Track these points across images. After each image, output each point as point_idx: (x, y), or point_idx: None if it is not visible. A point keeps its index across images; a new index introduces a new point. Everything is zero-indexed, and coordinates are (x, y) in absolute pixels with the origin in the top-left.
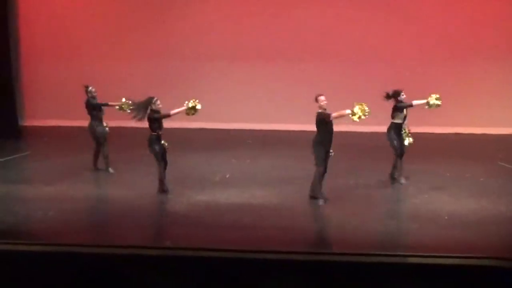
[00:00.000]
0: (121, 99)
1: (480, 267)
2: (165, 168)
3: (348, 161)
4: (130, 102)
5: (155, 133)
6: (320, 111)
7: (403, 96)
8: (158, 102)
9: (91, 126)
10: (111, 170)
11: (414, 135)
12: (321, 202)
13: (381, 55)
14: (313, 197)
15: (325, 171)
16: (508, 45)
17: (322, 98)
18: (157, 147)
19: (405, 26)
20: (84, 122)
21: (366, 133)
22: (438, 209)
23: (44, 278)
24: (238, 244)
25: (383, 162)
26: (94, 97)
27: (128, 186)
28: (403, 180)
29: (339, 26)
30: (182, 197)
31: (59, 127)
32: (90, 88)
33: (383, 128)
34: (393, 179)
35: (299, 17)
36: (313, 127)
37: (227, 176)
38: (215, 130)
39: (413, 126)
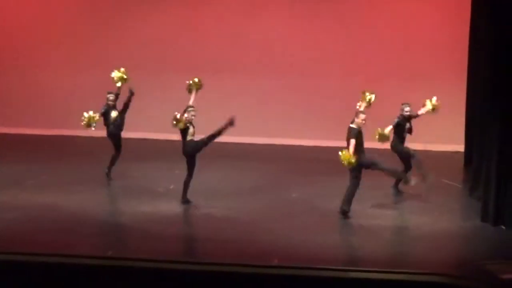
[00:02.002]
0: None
1: (419, 283)
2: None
3: (298, 175)
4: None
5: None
6: (353, 126)
7: (407, 109)
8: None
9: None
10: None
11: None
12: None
13: (336, 70)
14: (345, 211)
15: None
16: (452, 65)
17: (362, 116)
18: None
19: (361, 43)
20: (26, 129)
21: (318, 147)
22: (380, 224)
23: None
24: (179, 256)
25: (331, 176)
26: (107, 105)
27: (73, 195)
28: (413, 181)
29: (293, 39)
30: (125, 207)
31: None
32: (108, 95)
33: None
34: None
35: (252, 29)
36: (256, 140)
37: (171, 187)
38: (158, 141)
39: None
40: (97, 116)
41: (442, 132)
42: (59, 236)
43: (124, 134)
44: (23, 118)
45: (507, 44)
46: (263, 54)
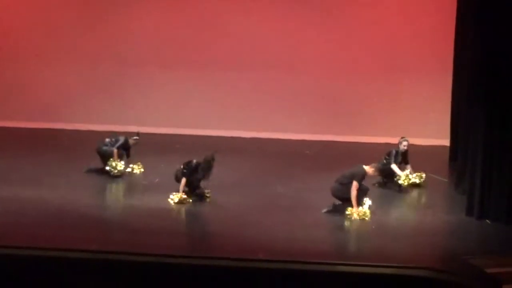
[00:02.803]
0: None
1: (404, 276)
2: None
3: (281, 169)
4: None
5: None
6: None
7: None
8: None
9: None
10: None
11: (345, 144)
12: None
13: (316, 67)
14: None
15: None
16: (437, 60)
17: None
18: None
19: (342, 38)
20: (9, 122)
21: (305, 141)
22: (365, 219)
23: None
24: (163, 250)
25: (317, 171)
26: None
27: (57, 188)
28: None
29: (278, 35)
30: (109, 201)
31: None
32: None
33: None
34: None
35: (240, 24)
36: (245, 133)
37: (156, 180)
38: (145, 134)
39: (344, 136)
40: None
41: (427, 127)
42: (43, 230)
43: (111, 128)
44: (6, 111)
45: (493, 39)
46: (249, 49)
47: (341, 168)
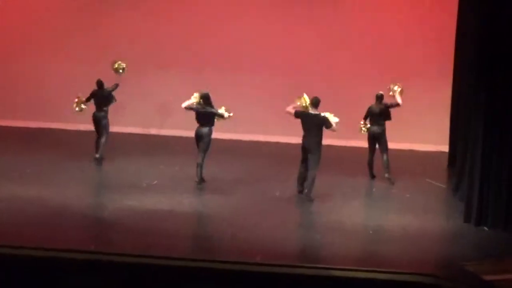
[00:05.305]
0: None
1: (401, 282)
2: None
3: (279, 172)
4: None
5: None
6: (315, 112)
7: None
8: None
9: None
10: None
11: (341, 149)
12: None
13: (315, 69)
14: (309, 196)
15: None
16: (437, 65)
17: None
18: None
19: (341, 43)
20: (10, 121)
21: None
22: (363, 223)
23: None
24: (161, 251)
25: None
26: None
27: (57, 188)
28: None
29: (277, 39)
30: (108, 202)
31: None
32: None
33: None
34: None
35: (227, 28)
36: (242, 136)
37: (155, 182)
38: (143, 135)
39: (341, 140)
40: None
41: (427, 132)
42: (42, 229)
43: (111, 128)
44: (6, 110)
45: (492, 47)
46: (248, 52)
47: (339, 172)
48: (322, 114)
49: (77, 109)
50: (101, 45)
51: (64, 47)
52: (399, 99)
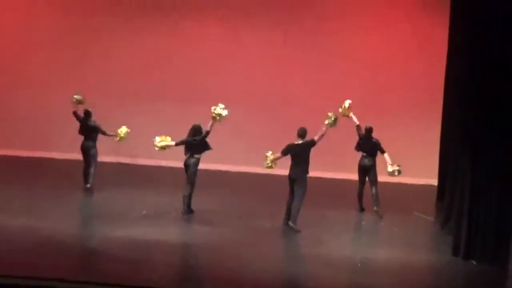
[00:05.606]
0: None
1: None
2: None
3: (269, 203)
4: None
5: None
6: (300, 142)
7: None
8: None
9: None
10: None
11: (326, 181)
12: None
13: (303, 101)
14: (292, 227)
15: None
16: (426, 100)
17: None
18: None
19: (331, 77)
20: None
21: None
22: (350, 256)
23: None
24: (150, 282)
25: (307, 207)
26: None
27: (46, 218)
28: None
29: (272, 71)
30: (97, 231)
31: None
32: None
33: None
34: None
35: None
36: (236, 168)
37: (144, 212)
38: (131, 165)
39: (328, 172)
40: None
41: (416, 166)
42: (29, 258)
43: (103, 158)
44: None
45: (480, 82)
46: (236, 84)
47: (328, 205)
48: (308, 140)
49: None
50: (93, 77)
51: (55, 78)
52: (355, 119)
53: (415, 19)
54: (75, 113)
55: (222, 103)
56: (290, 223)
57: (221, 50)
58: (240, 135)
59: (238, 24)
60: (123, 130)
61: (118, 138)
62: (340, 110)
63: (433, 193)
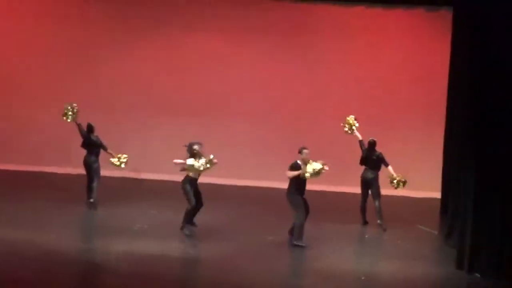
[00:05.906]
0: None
1: None
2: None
3: (272, 217)
4: None
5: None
6: (299, 162)
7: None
8: (195, 146)
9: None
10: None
11: (329, 194)
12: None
13: (305, 115)
14: (297, 245)
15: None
16: (429, 113)
17: (306, 151)
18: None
19: (331, 90)
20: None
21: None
22: (354, 269)
23: None
24: None
25: (310, 220)
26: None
27: (49, 232)
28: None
29: (274, 83)
30: (99, 246)
31: None
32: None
33: (309, 187)
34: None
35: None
36: (229, 181)
37: (145, 226)
38: (134, 179)
39: (327, 185)
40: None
41: (419, 179)
42: (32, 273)
43: (104, 173)
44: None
45: (483, 97)
46: (238, 98)
47: (331, 218)
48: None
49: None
50: (94, 91)
51: (55, 92)
52: (358, 134)
53: (417, 33)
54: (79, 126)
55: (222, 116)
56: (293, 240)
57: (221, 63)
58: (244, 149)
59: (239, 38)
60: (122, 158)
61: (116, 163)
62: (346, 128)
63: (437, 206)
